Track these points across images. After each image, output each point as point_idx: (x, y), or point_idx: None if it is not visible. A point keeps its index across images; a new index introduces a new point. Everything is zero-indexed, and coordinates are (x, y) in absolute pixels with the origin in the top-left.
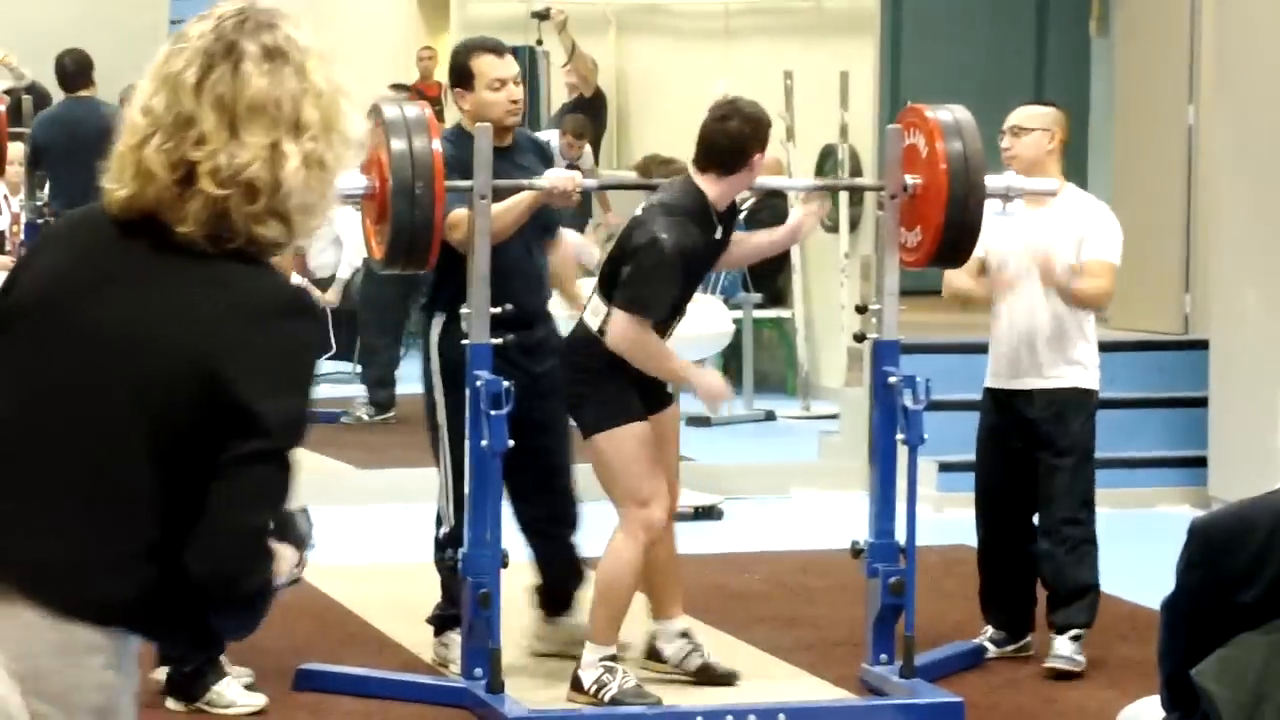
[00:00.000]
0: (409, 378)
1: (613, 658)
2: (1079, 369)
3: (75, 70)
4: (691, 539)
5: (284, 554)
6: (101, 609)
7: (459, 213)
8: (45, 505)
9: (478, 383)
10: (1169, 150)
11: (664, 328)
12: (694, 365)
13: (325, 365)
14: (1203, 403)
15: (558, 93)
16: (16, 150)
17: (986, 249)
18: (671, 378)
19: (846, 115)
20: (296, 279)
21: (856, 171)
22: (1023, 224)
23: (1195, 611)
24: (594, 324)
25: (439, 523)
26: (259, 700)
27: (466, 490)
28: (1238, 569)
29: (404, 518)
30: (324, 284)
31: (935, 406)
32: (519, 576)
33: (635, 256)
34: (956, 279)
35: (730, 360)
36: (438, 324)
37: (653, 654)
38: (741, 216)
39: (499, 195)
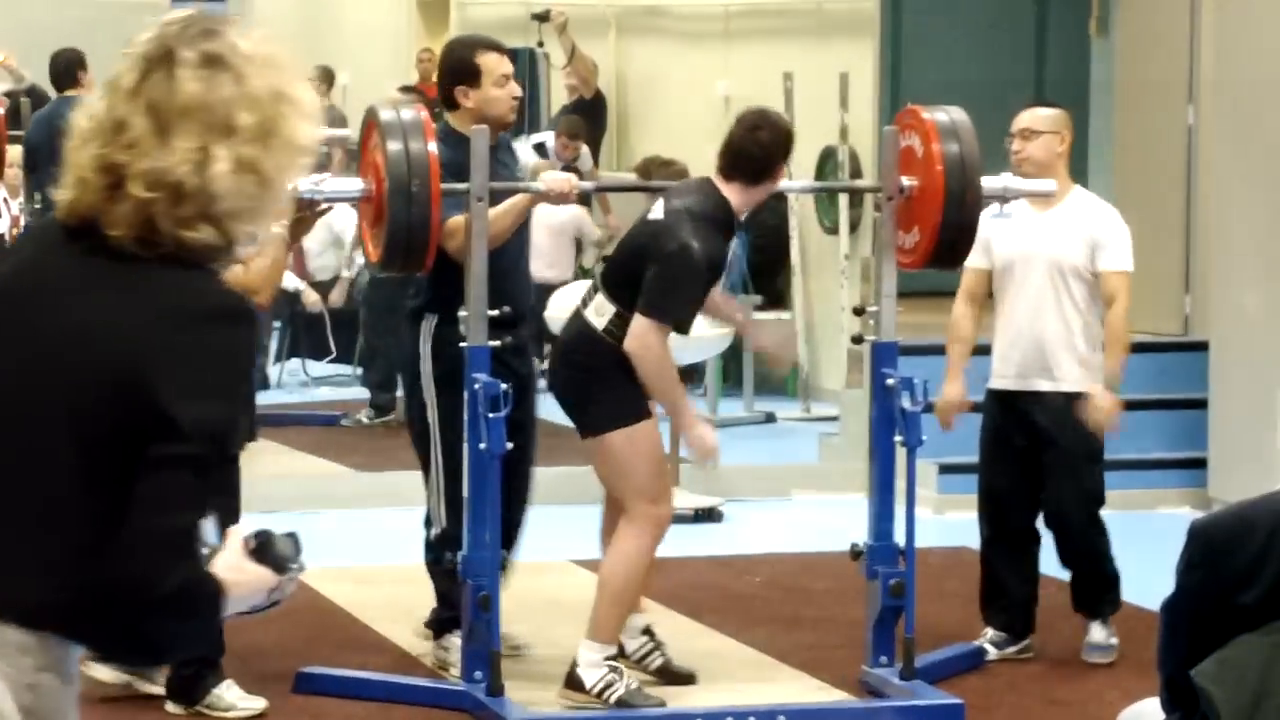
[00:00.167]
0: None
1: (615, 657)
2: (1087, 372)
3: (65, 70)
4: (692, 541)
5: (259, 575)
6: (26, 611)
7: (456, 220)
8: None
9: (476, 385)
10: (1169, 151)
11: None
12: (694, 411)
13: (325, 368)
14: (1203, 404)
15: (558, 95)
16: (16, 153)
17: (994, 253)
18: (669, 405)
19: (846, 116)
20: (297, 282)
21: (857, 173)
22: (1030, 227)
23: (1195, 613)
24: (598, 323)
25: (428, 524)
26: (259, 704)
27: (465, 493)
28: (1238, 570)
29: (404, 521)
30: (325, 286)
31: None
32: (521, 578)
33: (664, 262)
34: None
35: (730, 362)
36: (429, 326)
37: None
38: (742, 217)
39: (495, 197)
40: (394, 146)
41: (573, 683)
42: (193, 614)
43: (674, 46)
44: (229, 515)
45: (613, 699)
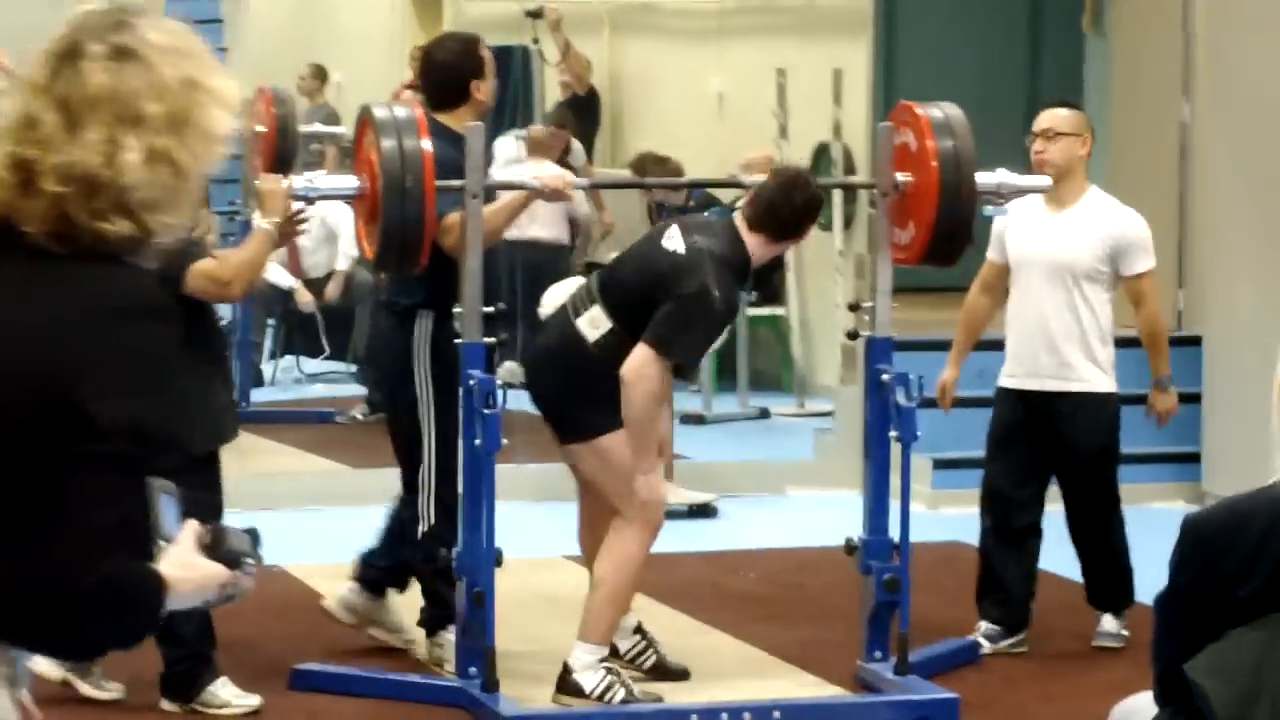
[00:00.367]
0: None
1: (608, 658)
2: (1100, 372)
3: None
4: (686, 537)
5: (209, 571)
6: None
7: (453, 217)
8: None
9: (471, 382)
10: (1163, 147)
11: None
12: (656, 464)
13: (319, 365)
14: (1196, 399)
15: (551, 92)
16: None
17: (1008, 252)
18: (638, 440)
19: (840, 113)
20: (290, 281)
21: (851, 169)
22: (1044, 227)
23: (1189, 607)
24: (590, 336)
25: (415, 521)
26: (254, 700)
27: (460, 490)
28: (1231, 565)
29: None
30: (318, 284)
31: (929, 404)
32: (515, 575)
33: (682, 302)
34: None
35: (725, 358)
36: (425, 323)
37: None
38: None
39: (489, 194)
40: (388, 143)
41: (569, 688)
42: (123, 611)
43: (667, 43)
44: (209, 512)
45: (615, 701)
